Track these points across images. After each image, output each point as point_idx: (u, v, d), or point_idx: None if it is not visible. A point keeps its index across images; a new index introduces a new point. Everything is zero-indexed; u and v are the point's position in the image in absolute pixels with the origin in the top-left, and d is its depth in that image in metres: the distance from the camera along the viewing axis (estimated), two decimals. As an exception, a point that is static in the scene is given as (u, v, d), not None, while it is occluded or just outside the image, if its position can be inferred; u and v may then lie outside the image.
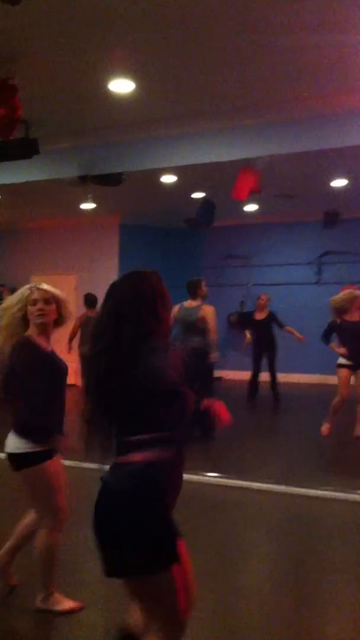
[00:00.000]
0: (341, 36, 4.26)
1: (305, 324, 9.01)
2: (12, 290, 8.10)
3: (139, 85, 5.17)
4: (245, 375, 9.21)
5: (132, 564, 1.77)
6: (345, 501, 4.57)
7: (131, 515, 1.75)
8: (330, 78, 5.04)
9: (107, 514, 1.78)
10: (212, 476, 5.12)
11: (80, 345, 8.03)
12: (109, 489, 1.81)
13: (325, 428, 6.52)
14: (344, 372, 6.42)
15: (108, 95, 5.35)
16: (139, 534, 1.75)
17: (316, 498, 4.62)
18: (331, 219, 9.32)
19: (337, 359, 6.51)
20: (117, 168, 6.65)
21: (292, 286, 11.24)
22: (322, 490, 4.71)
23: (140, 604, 1.89)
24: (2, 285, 9.82)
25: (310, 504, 4.52)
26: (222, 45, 4.46)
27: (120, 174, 6.70)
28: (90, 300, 8.39)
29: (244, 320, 9.93)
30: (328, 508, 4.45)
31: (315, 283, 11.17)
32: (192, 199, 8.82)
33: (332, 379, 6.76)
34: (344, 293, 6.48)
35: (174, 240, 11.94)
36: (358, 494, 4.66)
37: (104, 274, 10.36)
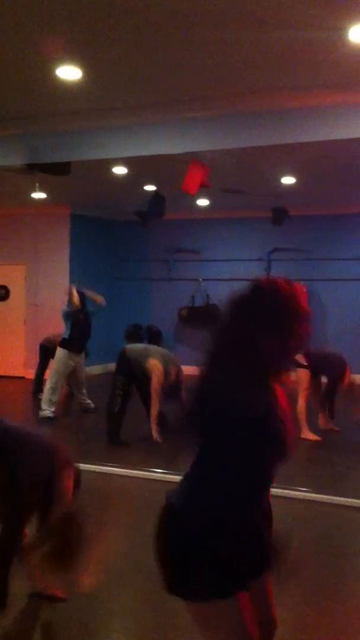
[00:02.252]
0: (294, 32, 4.29)
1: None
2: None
3: (86, 73, 5.11)
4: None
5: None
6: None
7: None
8: (280, 74, 5.08)
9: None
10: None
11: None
12: None
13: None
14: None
15: (56, 82, 5.27)
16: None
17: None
18: (279, 216, 9.45)
19: None
20: (65, 157, 6.57)
21: (243, 282, 11.33)
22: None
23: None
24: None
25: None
26: (172, 37, 4.44)
27: (68, 163, 6.63)
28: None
29: (194, 314, 9.96)
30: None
31: (265, 279, 11.29)
32: (143, 191, 8.81)
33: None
34: None
35: (123, 232, 11.89)
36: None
37: (54, 265, 10.26)
